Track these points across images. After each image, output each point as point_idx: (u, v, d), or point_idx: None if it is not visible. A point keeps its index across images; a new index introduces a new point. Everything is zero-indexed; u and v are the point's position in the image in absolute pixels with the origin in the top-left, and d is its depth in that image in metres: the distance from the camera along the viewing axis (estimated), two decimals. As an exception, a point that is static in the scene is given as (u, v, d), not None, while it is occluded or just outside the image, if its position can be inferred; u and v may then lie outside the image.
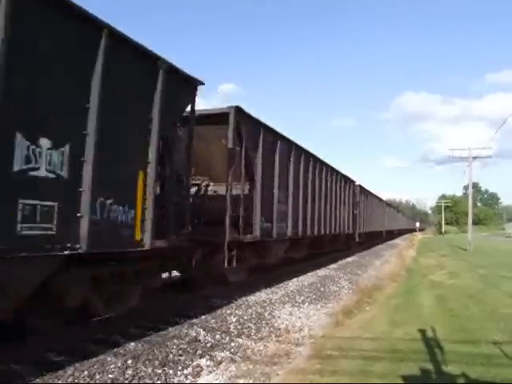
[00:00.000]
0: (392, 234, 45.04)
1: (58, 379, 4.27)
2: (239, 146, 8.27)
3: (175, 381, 4.54)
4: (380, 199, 33.99)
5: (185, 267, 7.55)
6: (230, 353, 5.42)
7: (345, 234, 18.68)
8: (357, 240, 21.67)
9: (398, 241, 43.75)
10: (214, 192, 8.52)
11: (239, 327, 6.57)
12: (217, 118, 8.20)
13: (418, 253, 26.53)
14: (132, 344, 5.39)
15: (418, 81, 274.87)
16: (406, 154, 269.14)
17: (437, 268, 16.52)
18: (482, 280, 12.94)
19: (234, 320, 6.90)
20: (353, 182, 20.49)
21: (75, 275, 4.87)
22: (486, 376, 4.61)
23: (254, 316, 7.28)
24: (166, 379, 4.52)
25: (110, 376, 4.45)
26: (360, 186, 22.40)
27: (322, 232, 14.12)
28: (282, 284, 10.69)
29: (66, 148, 4.16)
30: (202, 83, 6.37)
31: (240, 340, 5.96)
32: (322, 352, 5.49)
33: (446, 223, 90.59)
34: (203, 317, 6.95)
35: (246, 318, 7.12)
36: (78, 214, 4.31)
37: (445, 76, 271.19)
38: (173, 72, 5.68)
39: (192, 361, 5.05)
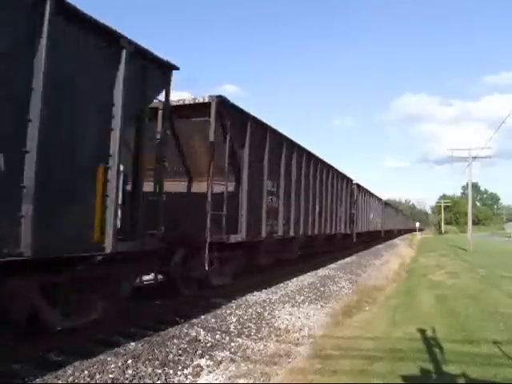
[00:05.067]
0: (399, 232, 53.76)
1: (58, 379, 4.27)
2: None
3: (175, 381, 4.54)
4: (396, 209, 47.44)
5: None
6: (230, 352, 5.42)
7: (376, 231, 29.37)
8: (382, 235, 32.56)
9: (397, 241, 43.70)
10: None
11: (239, 327, 6.57)
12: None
13: (418, 253, 26.55)
14: (132, 344, 5.38)
15: (417, 82, 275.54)
16: (406, 155, 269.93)
17: (437, 268, 16.53)
18: (482, 280, 12.95)
19: (233, 320, 6.90)
20: (380, 199, 30.36)
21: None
22: (486, 376, 4.61)
23: (253, 316, 7.28)
24: (166, 379, 4.52)
25: (110, 376, 4.45)
26: (385, 202, 32.91)
27: (371, 229, 25.88)
28: (281, 284, 10.69)
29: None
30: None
31: (240, 340, 5.96)
32: (322, 352, 5.48)
33: (446, 223, 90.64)
34: (203, 317, 6.94)
35: (245, 317, 7.12)
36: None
37: (444, 78, 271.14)
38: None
39: (192, 361, 5.05)
